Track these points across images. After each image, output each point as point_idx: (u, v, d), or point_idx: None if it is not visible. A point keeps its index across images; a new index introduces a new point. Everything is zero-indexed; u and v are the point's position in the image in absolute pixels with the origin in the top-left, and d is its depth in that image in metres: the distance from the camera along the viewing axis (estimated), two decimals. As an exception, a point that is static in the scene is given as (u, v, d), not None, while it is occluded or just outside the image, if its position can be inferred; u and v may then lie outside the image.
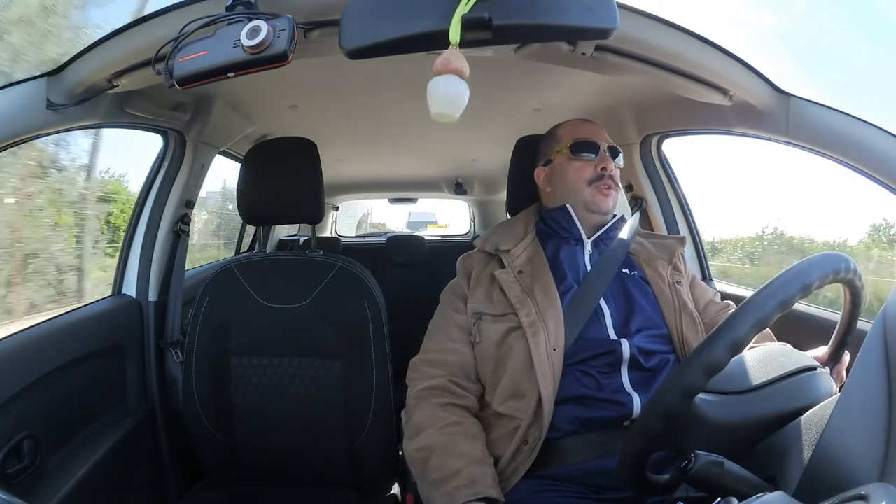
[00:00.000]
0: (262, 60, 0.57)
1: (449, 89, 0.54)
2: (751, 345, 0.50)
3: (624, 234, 0.93)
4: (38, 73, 0.77)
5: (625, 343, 0.80)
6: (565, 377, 0.78)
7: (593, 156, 0.92)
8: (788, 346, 0.80)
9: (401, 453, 0.84)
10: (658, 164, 1.37)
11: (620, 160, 0.94)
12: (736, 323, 0.48)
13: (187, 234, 1.28)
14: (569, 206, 0.92)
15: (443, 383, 0.83)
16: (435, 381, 0.84)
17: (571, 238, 0.92)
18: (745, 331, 0.48)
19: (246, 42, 0.56)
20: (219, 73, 0.58)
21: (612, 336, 0.81)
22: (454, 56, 0.54)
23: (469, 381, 0.85)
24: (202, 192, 1.38)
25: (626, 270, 0.90)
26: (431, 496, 0.74)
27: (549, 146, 0.98)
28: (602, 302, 0.84)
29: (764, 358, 0.57)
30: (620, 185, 0.94)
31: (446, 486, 0.72)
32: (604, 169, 0.91)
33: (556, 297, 0.83)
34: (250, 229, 2.36)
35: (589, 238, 0.92)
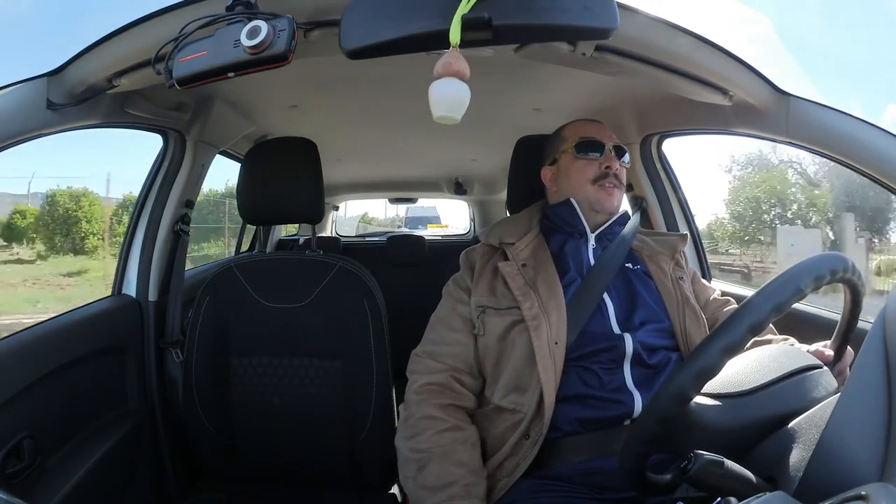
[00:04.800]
0: (262, 60, 0.57)
1: (450, 92, 0.54)
2: (754, 339, 0.50)
3: (627, 229, 0.93)
4: (39, 74, 0.77)
5: (628, 338, 0.80)
6: (567, 374, 0.78)
7: (598, 155, 0.92)
8: (791, 339, 0.80)
9: None
10: (658, 164, 1.37)
11: (626, 159, 0.95)
12: (731, 327, 0.48)
13: (187, 234, 1.28)
14: (573, 201, 0.92)
15: (444, 379, 0.83)
16: (436, 377, 0.84)
17: (576, 232, 0.92)
18: (740, 335, 0.47)
19: (246, 42, 0.56)
20: (219, 73, 0.58)
21: (616, 330, 0.82)
22: (455, 59, 0.54)
23: (470, 375, 0.85)
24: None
25: (630, 265, 0.90)
26: (423, 500, 0.74)
27: (554, 146, 0.98)
28: (605, 296, 0.85)
29: (763, 359, 0.57)
30: (624, 184, 0.94)
31: (443, 493, 0.73)
32: (608, 167, 0.91)
33: (559, 289, 0.83)
34: (250, 229, 2.36)
35: (593, 232, 0.92)
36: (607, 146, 0.92)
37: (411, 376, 0.87)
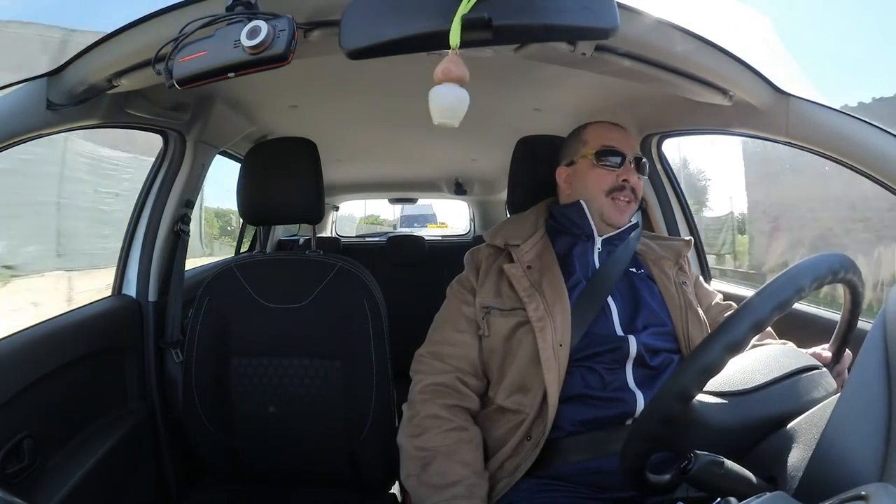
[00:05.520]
0: (262, 60, 0.57)
1: (449, 98, 0.54)
2: (752, 342, 0.50)
3: (631, 233, 0.93)
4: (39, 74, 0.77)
5: (632, 339, 0.80)
6: (570, 374, 0.78)
7: (617, 165, 0.90)
8: (790, 344, 0.80)
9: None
10: (658, 164, 1.37)
11: (646, 171, 0.93)
12: (733, 325, 0.48)
13: (187, 234, 1.28)
14: (583, 202, 0.92)
15: (449, 380, 0.83)
16: (442, 378, 0.84)
17: (583, 235, 0.92)
18: (742, 333, 0.47)
19: (246, 42, 0.56)
20: (219, 73, 0.58)
21: (619, 332, 0.82)
22: (454, 64, 0.54)
23: (474, 376, 0.85)
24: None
25: (633, 269, 0.90)
26: (426, 498, 0.75)
27: (574, 147, 0.96)
28: (609, 299, 0.85)
29: (764, 358, 0.57)
30: (640, 198, 0.93)
31: (446, 492, 0.73)
32: (625, 181, 0.90)
33: (564, 292, 0.83)
34: (250, 229, 2.36)
35: (601, 236, 0.92)
36: (627, 157, 0.91)
37: (415, 376, 0.87)
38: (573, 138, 0.98)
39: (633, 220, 0.96)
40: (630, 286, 0.88)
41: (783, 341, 0.83)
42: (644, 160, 0.93)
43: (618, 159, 0.91)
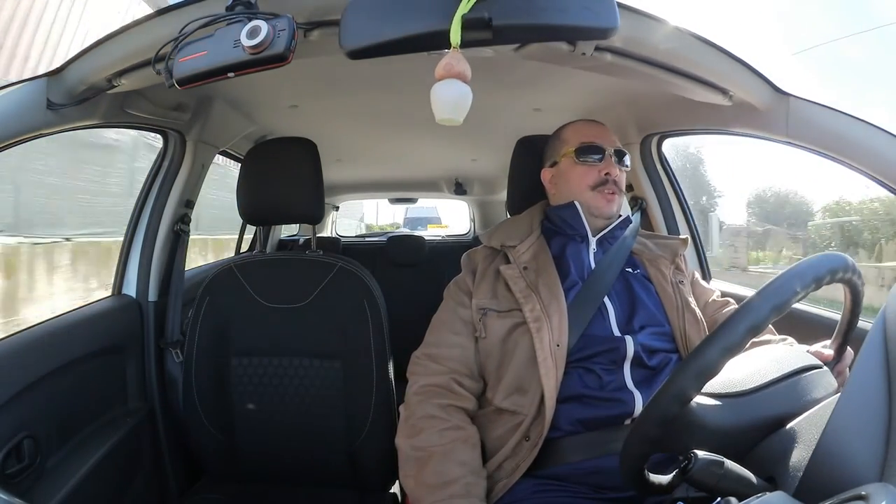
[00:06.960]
0: (262, 60, 0.57)
1: (452, 94, 0.54)
2: (753, 340, 0.50)
3: (627, 232, 0.93)
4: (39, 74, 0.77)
5: (629, 340, 0.80)
6: (568, 375, 0.78)
7: (598, 159, 0.91)
8: (790, 339, 0.80)
9: None
10: (658, 164, 1.37)
11: (627, 163, 0.94)
12: (730, 328, 0.48)
13: (187, 234, 1.28)
14: (577, 203, 0.92)
15: (444, 381, 0.83)
16: (437, 379, 0.84)
17: (577, 235, 0.92)
18: (739, 336, 0.47)
19: (246, 42, 0.56)
20: (219, 73, 0.58)
21: (616, 333, 0.82)
22: (456, 60, 0.54)
23: (470, 378, 0.85)
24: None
25: (630, 269, 0.90)
26: (423, 497, 0.75)
27: (555, 148, 0.98)
28: (606, 299, 0.85)
29: (762, 359, 0.57)
30: (624, 189, 0.94)
31: (443, 491, 0.73)
32: (608, 174, 0.91)
33: (560, 292, 0.83)
34: (250, 229, 2.36)
35: (594, 236, 0.92)
36: (608, 151, 0.92)
37: (411, 378, 0.87)
38: (554, 139, 0.99)
39: (625, 215, 0.96)
40: (627, 286, 0.88)
41: (783, 337, 0.83)
42: (625, 152, 0.94)
43: (598, 154, 0.92)
